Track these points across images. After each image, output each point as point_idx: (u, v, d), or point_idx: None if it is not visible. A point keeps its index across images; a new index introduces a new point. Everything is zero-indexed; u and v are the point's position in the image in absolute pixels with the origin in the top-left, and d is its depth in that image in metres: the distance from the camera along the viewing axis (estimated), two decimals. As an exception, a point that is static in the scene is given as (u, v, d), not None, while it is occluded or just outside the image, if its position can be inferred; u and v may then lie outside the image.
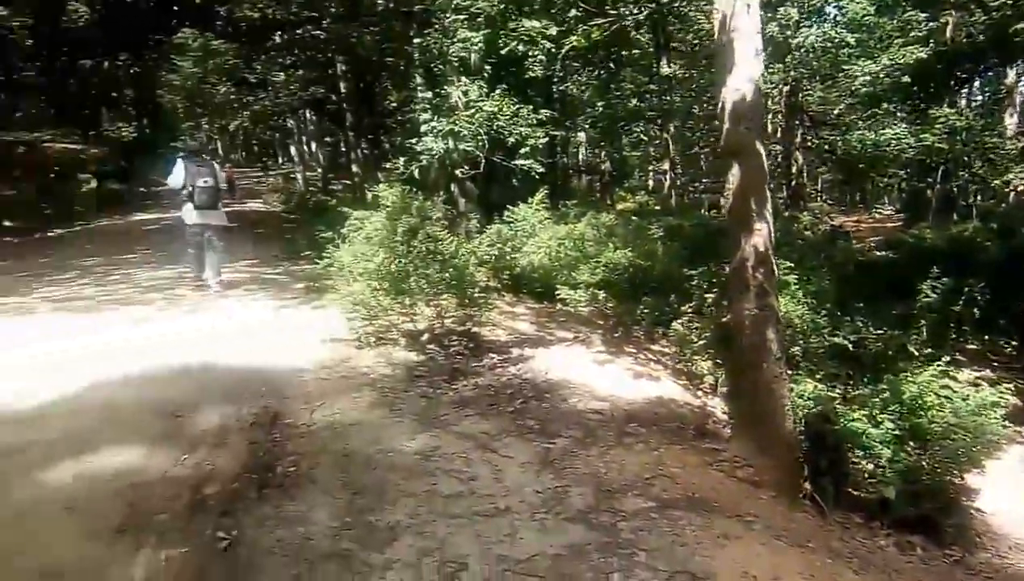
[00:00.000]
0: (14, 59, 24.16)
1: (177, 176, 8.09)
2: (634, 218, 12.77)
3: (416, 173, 11.01)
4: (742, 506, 3.72)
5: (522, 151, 9.50)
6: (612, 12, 9.02)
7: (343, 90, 18.42)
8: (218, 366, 5.40)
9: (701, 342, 6.23)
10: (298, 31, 15.54)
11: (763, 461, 4.42)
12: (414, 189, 7.05)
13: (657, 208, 18.15)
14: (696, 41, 18.55)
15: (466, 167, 10.32)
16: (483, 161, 9.63)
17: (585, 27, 8.39)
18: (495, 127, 9.28)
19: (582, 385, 5.20)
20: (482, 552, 2.86)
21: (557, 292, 7.42)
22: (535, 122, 9.59)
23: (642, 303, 7.31)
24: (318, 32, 15.30)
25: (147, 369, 5.32)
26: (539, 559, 2.87)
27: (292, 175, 30.29)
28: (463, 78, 9.66)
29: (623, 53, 16.66)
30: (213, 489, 3.42)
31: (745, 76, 4.59)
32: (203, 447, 3.92)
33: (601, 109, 17.98)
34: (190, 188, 8.02)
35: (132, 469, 3.67)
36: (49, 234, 17.09)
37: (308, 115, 25.95)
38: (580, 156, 28.01)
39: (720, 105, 4.78)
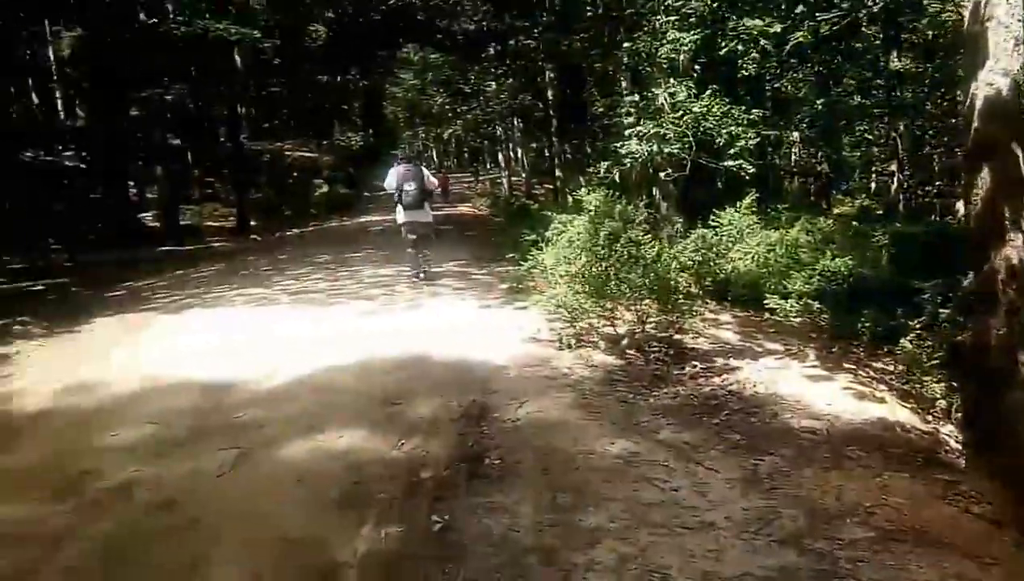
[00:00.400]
0: (265, 77, 27.38)
1: (391, 181, 9.10)
2: (854, 223, 11.84)
3: (617, 177, 10.99)
4: (979, 547, 3.30)
5: (731, 152, 9.14)
6: (844, 5, 8.37)
7: (550, 97, 18.88)
8: (430, 359, 5.76)
9: (933, 362, 5.62)
10: (511, 41, 16.15)
11: (1006, 498, 3.91)
12: (616, 192, 7.03)
13: (880, 212, 16.72)
14: (934, 33, 16.76)
15: (670, 170, 10.12)
16: (688, 163, 9.38)
17: (812, 23, 7.86)
18: (702, 128, 9.01)
19: (794, 401, 4.89)
20: (685, 565, 2.79)
21: (766, 301, 7.04)
22: (746, 122, 9.19)
23: (863, 316, 6.74)
24: (529, 41, 15.81)
25: (368, 358, 5.79)
26: (747, 579, 2.74)
27: (498, 180, 31.54)
28: (671, 80, 9.49)
29: (847, 47, 15.47)
30: (427, 474, 3.65)
31: (1000, 70, 4.08)
32: (417, 434, 4.20)
33: (819, 107, 16.81)
34: (400, 192, 8.91)
35: (355, 449, 4.01)
36: (287, 233, 19.15)
37: (515, 122, 26.87)
38: (793, 157, 26.44)
39: (968, 101, 4.29)
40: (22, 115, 24.06)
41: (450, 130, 34.76)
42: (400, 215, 9.17)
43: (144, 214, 19.79)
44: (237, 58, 22.19)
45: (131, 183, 19.74)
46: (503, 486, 3.48)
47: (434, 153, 47.70)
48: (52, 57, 27.42)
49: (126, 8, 17.06)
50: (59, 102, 29.41)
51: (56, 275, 12.06)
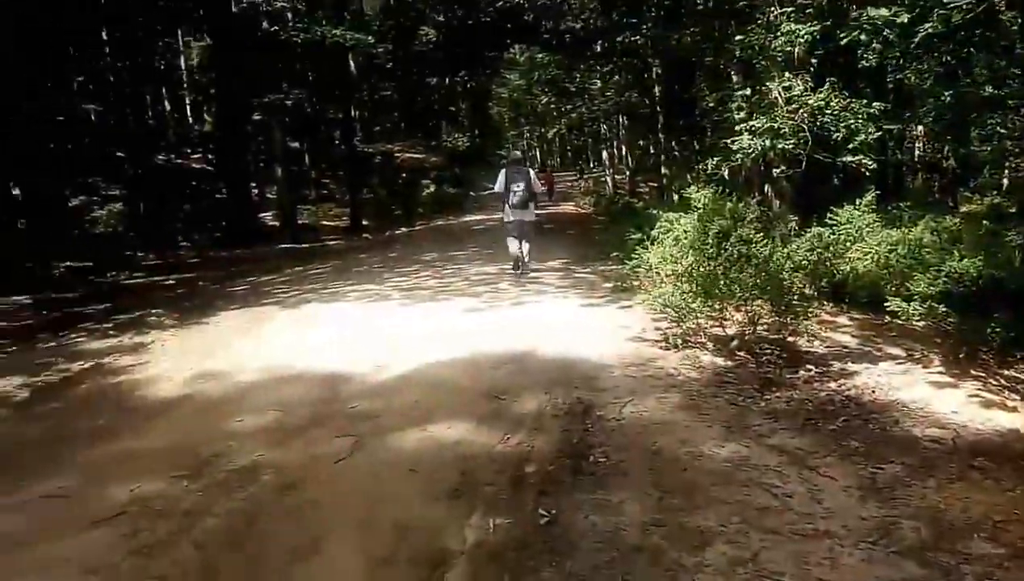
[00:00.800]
0: (377, 80, 28.32)
1: (500, 182, 9.67)
2: (984, 222, 11.01)
3: (726, 173, 10.70)
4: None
5: (850, 147, 8.71)
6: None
7: (657, 93, 18.58)
8: (534, 356, 5.82)
9: (1076, 372, 5.18)
10: (618, 38, 16.03)
11: None
12: (725, 190, 6.86)
13: (1012, 210, 15.48)
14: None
15: (783, 166, 9.76)
16: (804, 159, 9.02)
17: (943, 11, 7.36)
18: (819, 123, 8.63)
19: (916, 409, 4.63)
20: (799, 572, 2.71)
21: (886, 304, 6.68)
22: (866, 116, 8.73)
23: (993, 321, 6.28)
24: (636, 38, 15.66)
25: (474, 354, 5.91)
26: (864, 591, 2.64)
27: (602, 178, 31.34)
28: (786, 73, 9.15)
29: (981, 35, 14.41)
30: (532, 468, 3.69)
31: None
32: (523, 429, 4.25)
33: (947, 99, 15.75)
34: (508, 192, 9.46)
35: (463, 441, 4.11)
36: (396, 232, 19.76)
37: (621, 120, 26.62)
38: (916, 152, 24.90)
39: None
40: (156, 120, 25.95)
41: (554, 129, 34.79)
42: (507, 214, 9.65)
43: (264, 214, 20.92)
44: (351, 63, 23.10)
45: (253, 184, 20.90)
46: (608, 484, 3.47)
47: (537, 152, 47.94)
48: (183, 66, 29.48)
49: (250, 18, 18.07)
50: (188, 108, 31.58)
51: (185, 270, 12.96)
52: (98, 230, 17.47)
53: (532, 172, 10.20)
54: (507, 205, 9.52)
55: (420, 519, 3.21)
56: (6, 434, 4.71)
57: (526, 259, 9.76)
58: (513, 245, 9.71)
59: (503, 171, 9.82)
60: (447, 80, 27.26)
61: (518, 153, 14.65)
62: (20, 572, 2.87)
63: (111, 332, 7.53)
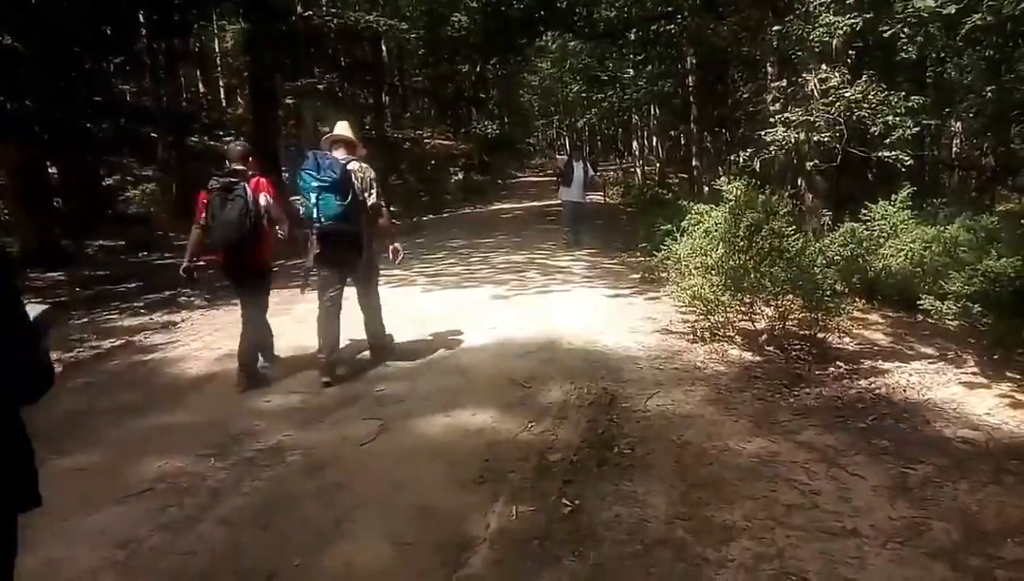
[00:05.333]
0: (408, 67, 28.31)
1: (562, 165, 12.38)
2: (1023, 221, 10.72)
3: (758, 166, 10.54)
4: None
5: (886, 141, 8.52)
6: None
7: (691, 83, 18.34)
8: (560, 345, 5.80)
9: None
10: (652, 27, 15.83)
11: None
12: (758, 182, 6.76)
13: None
14: None
15: (817, 161, 9.60)
16: (839, 153, 8.85)
17: (993, 2, 7.12)
18: (856, 116, 8.46)
19: (949, 409, 4.53)
20: (825, 570, 2.66)
21: (919, 302, 6.54)
22: (904, 111, 8.53)
23: (1030, 322, 6.13)
24: (671, 27, 15.45)
25: (499, 341, 5.92)
26: (892, 592, 2.59)
27: (631, 169, 31.08)
28: (822, 65, 8.97)
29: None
30: (556, 457, 3.68)
31: None
32: (547, 418, 4.24)
33: (988, 94, 15.34)
34: (566, 177, 11.80)
35: (488, 428, 4.11)
36: (424, 218, 19.77)
37: (652, 110, 26.34)
38: (953, 149, 24.35)
39: None
40: (189, 103, 26.21)
41: (584, 119, 34.52)
42: (563, 193, 12.01)
43: (295, 197, 21.04)
44: (384, 48, 23.08)
45: (284, 169, 21.04)
46: (633, 475, 3.45)
47: (566, 141, 47.69)
48: (217, 49, 29.70)
49: (285, 2, 18.13)
50: (222, 91, 31.84)
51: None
52: (132, 210, 17.72)
53: (589, 165, 12.46)
54: (563, 186, 11.86)
55: (443, 504, 3.22)
56: (38, 408, 4.78)
57: (575, 237, 11.91)
58: (566, 221, 12.19)
59: (568, 160, 12.26)
60: (478, 67, 27.16)
61: (579, 146, 16.72)
62: (49, 544, 2.93)
63: (142, 310, 7.65)
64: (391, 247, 5.22)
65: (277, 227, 5.01)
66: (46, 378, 1.58)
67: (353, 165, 4.98)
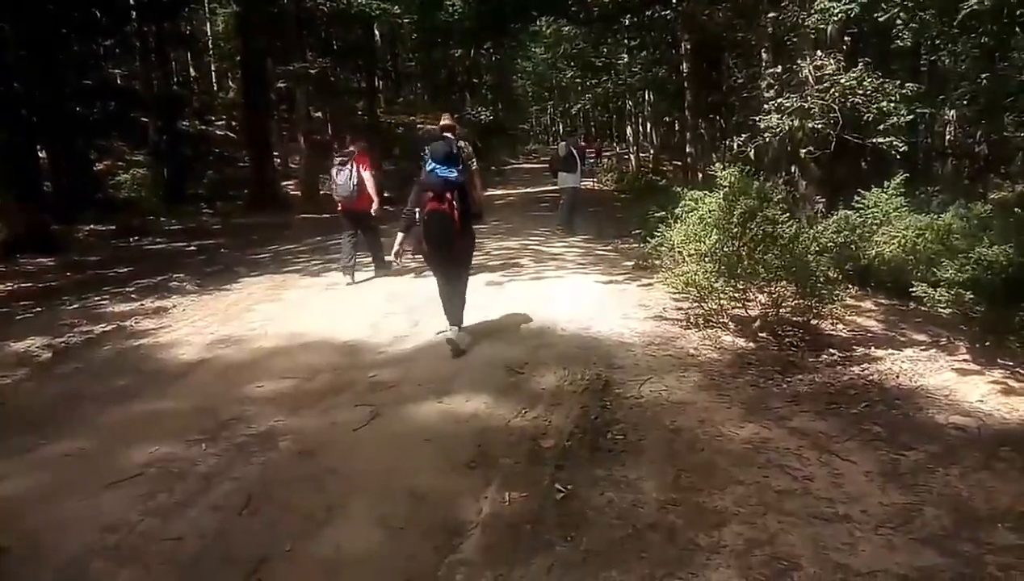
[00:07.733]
0: (400, 51, 28.09)
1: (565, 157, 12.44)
2: (1016, 210, 10.74)
3: (752, 153, 10.53)
4: None
5: (880, 128, 8.51)
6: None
7: (685, 70, 18.27)
8: (553, 332, 5.79)
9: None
10: (647, 12, 15.74)
11: None
12: (752, 169, 6.74)
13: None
14: None
15: (812, 147, 9.59)
16: (833, 140, 8.83)
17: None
18: (850, 103, 8.44)
19: (940, 396, 4.55)
20: (817, 556, 2.67)
21: (912, 289, 6.56)
22: (899, 98, 8.52)
23: (1022, 309, 6.14)
24: (666, 12, 15.37)
25: (493, 327, 5.90)
26: (882, 576, 2.59)
27: (625, 155, 31.01)
28: (818, 51, 8.94)
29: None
30: (549, 443, 3.67)
31: None
32: (541, 404, 4.23)
33: (982, 82, 15.35)
34: (560, 160, 12.32)
35: (481, 414, 4.10)
36: (416, 205, 19.67)
37: (647, 96, 26.26)
38: (946, 137, 24.38)
39: None
40: (181, 87, 25.97)
41: (578, 105, 34.37)
42: (563, 180, 12.24)
43: (287, 182, 20.92)
44: (376, 33, 22.88)
45: (276, 153, 20.90)
46: (626, 461, 3.45)
47: (560, 128, 47.51)
48: (209, 32, 29.43)
49: (277, -16, 17.95)
50: (213, 75, 31.57)
51: (207, 237, 13.02)
52: (122, 194, 17.60)
53: (574, 148, 12.78)
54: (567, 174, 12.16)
55: (435, 489, 3.21)
56: (29, 393, 4.76)
57: (566, 219, 12.23)
58: (562, 202, 12.50)
59: (563, 144, 13.02)
60: (471, 52, 26.98)
61: (570, 130, 16.62)
62: (39, 529, 2.91)
63: (133, 296, 7.59)
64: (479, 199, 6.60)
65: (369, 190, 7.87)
66: None
67: (460, 143, 6.23)
